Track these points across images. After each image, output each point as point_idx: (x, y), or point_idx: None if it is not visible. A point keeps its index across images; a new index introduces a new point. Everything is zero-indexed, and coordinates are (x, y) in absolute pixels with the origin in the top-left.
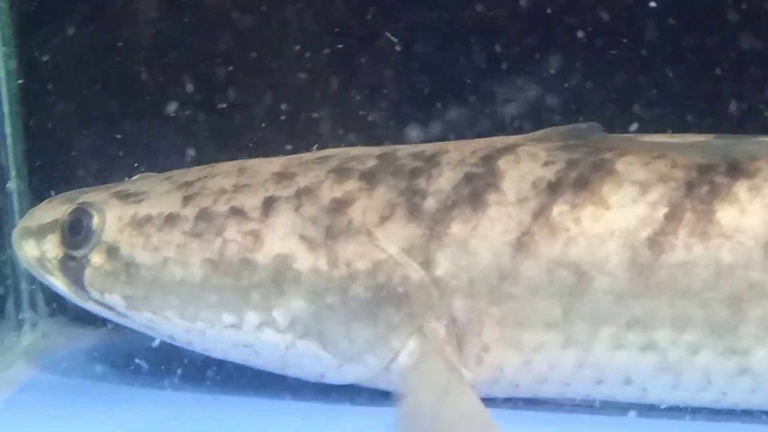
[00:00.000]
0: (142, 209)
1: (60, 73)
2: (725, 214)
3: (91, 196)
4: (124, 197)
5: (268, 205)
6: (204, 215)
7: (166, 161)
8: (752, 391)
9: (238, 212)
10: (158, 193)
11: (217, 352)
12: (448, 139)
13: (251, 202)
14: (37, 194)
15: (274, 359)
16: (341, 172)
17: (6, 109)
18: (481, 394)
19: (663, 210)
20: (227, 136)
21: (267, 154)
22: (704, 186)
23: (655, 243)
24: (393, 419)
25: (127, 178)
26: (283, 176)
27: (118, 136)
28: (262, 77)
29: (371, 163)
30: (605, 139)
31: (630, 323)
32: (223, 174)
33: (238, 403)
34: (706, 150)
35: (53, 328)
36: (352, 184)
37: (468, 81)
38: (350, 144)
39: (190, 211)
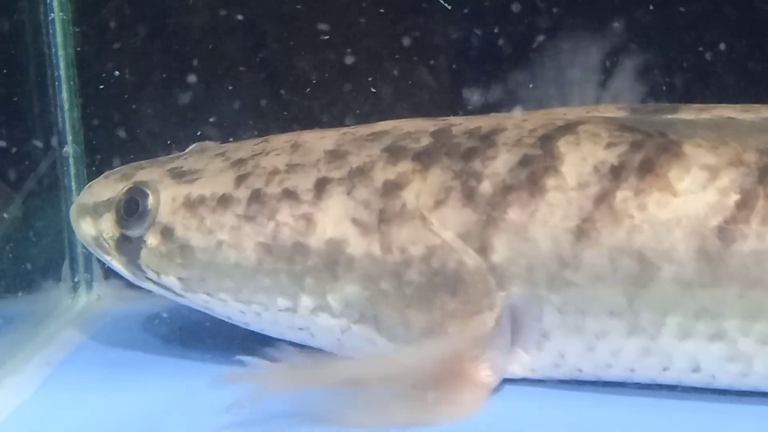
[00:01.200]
0: (196, 189)
1: (116, 38)
2: None
3: (147, 173)
4: (179, 176)
5: (321, 187)
6: (257, 197)
7: (222, 127)
8: None
9: (290, 194)
10: (212, 172)
11: (274, 333)
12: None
13: (303, 183)
14: (93, 158)
15: (330, 342)
16: (394, 152)
17: (63, 73)
18: (543, 377)
19: (734, 197)
20: (285, 101)
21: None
22: None
23: (725, 231)
24: None
25: (182, 149)
26: (335, 155)
27: (174, 101)
28: (325, 43)
29: (425, 141)
30: (671, 120)
31: (698, 313)
32: (276, 151)
33: None
34: None
35: (107, 291)
36: (405, 165)
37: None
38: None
39: (242, 193)
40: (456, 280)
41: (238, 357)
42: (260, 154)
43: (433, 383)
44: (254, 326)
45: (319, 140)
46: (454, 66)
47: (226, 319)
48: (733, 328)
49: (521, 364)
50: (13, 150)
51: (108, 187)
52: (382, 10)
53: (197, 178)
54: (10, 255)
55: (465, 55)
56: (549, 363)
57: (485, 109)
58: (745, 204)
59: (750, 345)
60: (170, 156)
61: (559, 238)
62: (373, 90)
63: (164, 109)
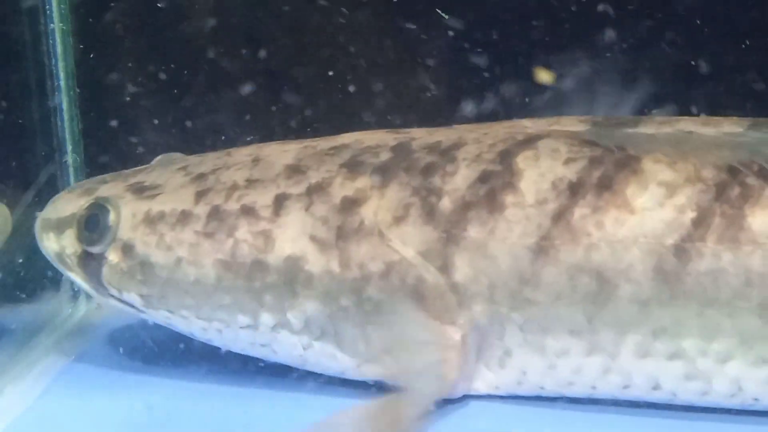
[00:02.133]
0: (156, 205)
1: (116, 48)
2: (756, 220)
3: (108, 188)
4: (140, 191)
5: (279, 203)
6: (216, 213)
7: (221, 135)
8: None
9: (249, 211)
10: (172, 187)
11: (238, 349)
12: None
13: (262, 199)
14: (93, 167)
15: (293, 358)
16: (353, 167)
17: (62, 83)
18: (505, 394)
19: (691, 214)
20: (287, 109)
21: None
22: (735, 188)
23: (682, 249)
24: None
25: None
26: (295, 170)
27: (173, 110)
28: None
29: (385, 156)
30: (632, 134)
31: (657, 332)
32: (237, 165)
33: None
34: (738, 147)
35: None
36: (363, 181)
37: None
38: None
39: (202, 209)
40: (417, 296)
41: None
42: (221, 168)
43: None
44: (217, 343)
45: (281, 154)
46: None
47: (189, 336)
48: (692, 347)
49: (485, 381)
50: (13, 160)
51: (71, 203)
52: None
53: (158, 194)
54: (10, 264)
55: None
56: (512, 380)
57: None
58: (701, 222)
59: (709, 364)
60: (135, 169)
61: (518, 256)
62: None
63: (163, 118)
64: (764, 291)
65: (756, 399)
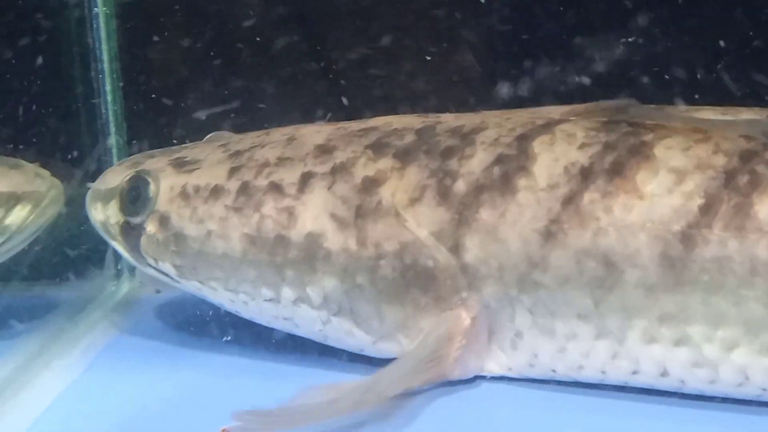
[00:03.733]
0: (193, 179)
1: (158, 31)
2: (764, 208)
3: (153, 162)
4: (180, 165)
5: (304, 181)
6: (245, 189)
7: (261, 119)
8: None
9: (276, 187)
10: (210, 163)
11: (263, 322)
12: None
13: (290, 176)
14: (135, 149)
15: (314, 333)
16: (377, 148)
17: (106, 66)
18: (518, 376)
19: (698, 201)
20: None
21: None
22: (745, 176)
23: (688, 236)
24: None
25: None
26: (323, 150)
27: (215, 93)
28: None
29: (409, 138)
30: (650, 116)
31: (662, 317)
32: (272, 144)
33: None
34: (754, 128)
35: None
36: (385, 163)
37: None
38: None
39: (233, 184)
40: (429, 277)
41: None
42: (257, 146)
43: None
44: (244, 315)
45: (314, 134)
46: None
47: (219, 306)
48: (697, 333)
49: (498, 362)
50: (62, 139)
51: (117, 175)
52: None
53: (196, 168)
54: (58, 244)
55: None
56: (524, 362)
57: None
58: (708, 209)
59: (715, 351)
60: (183, 145)
61: (528, 239)
62: None
63: (204, 101)
64: None
65: (764, 389)
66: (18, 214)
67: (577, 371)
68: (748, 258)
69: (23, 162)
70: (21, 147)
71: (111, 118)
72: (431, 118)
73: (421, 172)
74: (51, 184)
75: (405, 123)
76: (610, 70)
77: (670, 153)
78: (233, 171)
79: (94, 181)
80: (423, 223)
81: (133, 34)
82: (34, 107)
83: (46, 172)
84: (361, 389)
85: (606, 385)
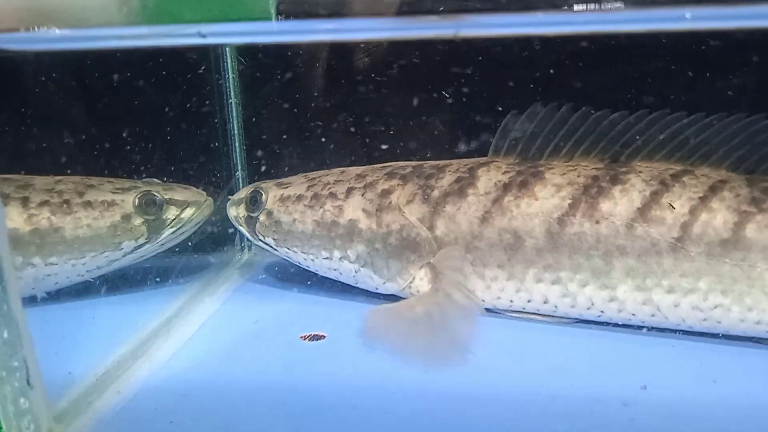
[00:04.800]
0: (287, 192)
1: (266, 111)
2: (605, 205)
3: (264, 184)
4: (280, 185)
5: (349, 192)
6: (315, 196)
7: (315, 161)
8: (618, 311)
9: (333, 195)
10: (297, 183)
11: (321, 272)
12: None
13: (340, 189)
14: (251, 179)
15: (350, 278)
16: (390, 175)
17: (236, 132)
18: None
19: (568, 201)
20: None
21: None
22: (595, 188)
23: (562, 220)
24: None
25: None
26: (360, 176)
27: (296, 147)
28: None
29: (408, 170)
30: (540, 160)
31: (546, 267)
32: (332, 174)
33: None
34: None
35: (260, 250)
36: (395, 182)
37: None
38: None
39: (309, 193)
40: (415, 244)
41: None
42: (324, 175)
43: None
44: (311, 268)
45: (356, 170)
46: None
47: (297, 264)
48: (565, 277)
49: None
50: (218, 175)
51: (245, 191)
52: None
53: (288, 186)
54: (211, 232)
55: None
56: None
57: None
58: (573, 205)
59: (574, 287)
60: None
61: (472, 222)
62: None
63: (292, 152)
64: (607, 245)
65: (602, 311)
66: (187, 212)
67: (497, 301)
68: (595, 233)
69: (191, 186)
70: (188, 177)
71: (239, 162)
72: (422, 162)
73: (414, 186)
74: (206, 198)
75: (406, 163)
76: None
77: (554, 176)
78: (310, 187)
79: (228, 198)
80: (413, 213)
81: (252, 114)
82: (195, 153)
83: (203, 192)
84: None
85: (513, 309)
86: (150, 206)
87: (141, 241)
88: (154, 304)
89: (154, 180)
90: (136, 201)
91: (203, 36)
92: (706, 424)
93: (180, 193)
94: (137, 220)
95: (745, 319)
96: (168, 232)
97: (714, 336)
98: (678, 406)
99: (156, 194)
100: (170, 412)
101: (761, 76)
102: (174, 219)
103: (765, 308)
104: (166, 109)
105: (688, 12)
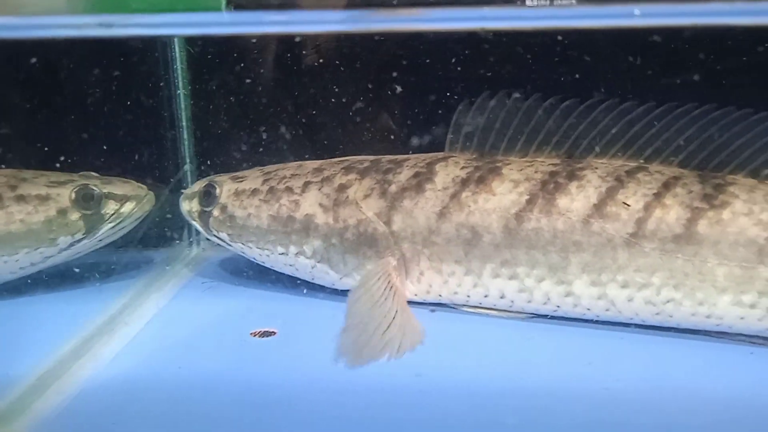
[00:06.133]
0: (241, 186)
1: (218, 103)
2: (562, 201)
3: (219, 177)
4: (234, 179)
5: (306, 186)
6: (271, 190)
7: (277, 156)
8: (574, 306)
9: (289, 189)
10: (252, 177)
11: (277, 267)
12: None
13: (297, 183)
14: (203, 173)
15: (306, 273)
16: (348, 169)
17: (185, 124)
18: (420, 300)
19: (526, 197)
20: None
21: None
22: (552, 184)
23: (519, 216)
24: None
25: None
26: (317, 170)
27: (249, 139)
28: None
29: (366, 164)
30: (498, 155)
31: (503, 262)
32: (289, 168)
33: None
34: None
35: (209, 245)
36: (352, 176)
37: None
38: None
39: (265, 187)
40: (372, 239)
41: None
42: (280, 169)
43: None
44: (267, 264)
45: (312, 164)
46: None
47: (252, 259)
48: (522, 272)
49: (409, 290)
50: (164, 167)
51: (198, 185)
52: None
53: (243, 180)
54: (159, 226)
55: None
56: (423, 290)
57: None
58: (531, 201)
59: (531, 282)
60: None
61: (429, 217)
62: None
63: (244, 145)
64: (564, 241)
65: (558, 306)
66: (127, 207)
67: (454, 296)
68: (552, 228)
69: (131, 180)
70: (129, 171)
71: (187, 155)
72: (380, 156)
73: (371, 181)
74: (146, 192)
75: (364, 158)
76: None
77: (511, 171)
78: (265, 181)
79: (176, 191)
80: (371, 208)
81: (201, 106)
82: (140, 145)
83: (144, 186)
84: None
85: (470, 304)
86: (87, 200)
87: (78, 236)
88: (97, 301)
89: (92, 173)
90: (73, 195)
91: (109, 26)
92: (655, 414)
93: (119, 187)
94: (74, 215)
95: (696, 313)
96: (107, 227)
97: (668, 329)
98: (626, 397)
99: (94, 188)
100: (114, 413)
101: (709, 73)
102: (113, 214)
103: (715, 302)
104: (109, 100)
105: (636, 9)
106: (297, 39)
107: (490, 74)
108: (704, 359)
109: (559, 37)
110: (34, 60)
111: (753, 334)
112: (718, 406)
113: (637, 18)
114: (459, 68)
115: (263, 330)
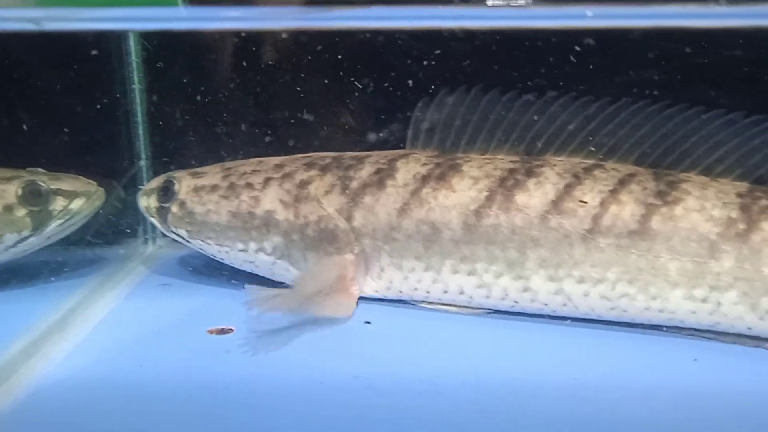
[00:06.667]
0: (201, 181)
1: (171, 99)
2: (520, 197)
3: (177, 173)
4: (194, 174)
5: (266, 182)
6: (231, 186)
7: (237, 151)
8: (531, 301)
9: (249, 185)
10: (212, 173)
11: (236, 264)
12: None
13: (257, 179)
14: (158, 169)
15: (266, 270)
16: (309, 165)
17: (140, 119)
18: (381, 296)
19: (485, 193)
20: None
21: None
22: (511, 181)
23: (478, 212)
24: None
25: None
26: (279, 166)
27: (206, 134)
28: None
29: (327, 161)
30: (458, 152)
31: (462, 258)
32: (249, 164)
33: None
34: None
35: (164, 243)
36: (313, 172)
37: None
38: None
39: (224, 183)
40: (333, 235)
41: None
42: (241, 165)
43: (331, 292)
44: (226, 261)
45: (274, 160)
46: None
47: (211, 256)
48: (480, 268)
49: (370, 287)
50: (119, 164)
51: (157, 181)
52: None
53: (203, 176)
54: (112, 223)
55: None
56: (384, 287)
57: None
58: (490, 198)
59: (490, 278)
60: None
61: (390, 213)
62: None
63: (201, 140)
64: (522, 237)
65: (516, 302)
66: (77, 203)
67: (414, 292)
68: (510, 225)
69: (80, 176)
70: (81, 167)
71: (143, 151)
72: (342, 153)
73: (333, 177)
74: (96, 188)
75: (326, 154)
76: None
77: (471, 168)
78: (225, 177)
79: (129, 187)
80: (332, 204)
81: (156, 101)
82: (94, 140)
83: (94, 182)
84: (296, 288)
85: (430, 300)
86: (35, 197)
87: (25, 234)
88: (49, 299)
89: (40, 169)
90: (20, 191)
91: (37, 24)
92: (610, 408)
93: (68, 183)
94: (20, 212)
95: (649, 307)
96: (55, 224)
97: (626, 324)
98: (584, 391)
99: (41, 184)
100: (67, 414)
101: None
102: (62, 210)
103: (667, 297)
104: (61, 95)
105: (589, 11)
106: (256, 34)
107: (452, 71)
108: (659, 354)
109: (527, 43)
110: None
111: (704, 329)
112: (674, 400)
113: (589, 19)
114: (420, 64)
115: (221, 327)
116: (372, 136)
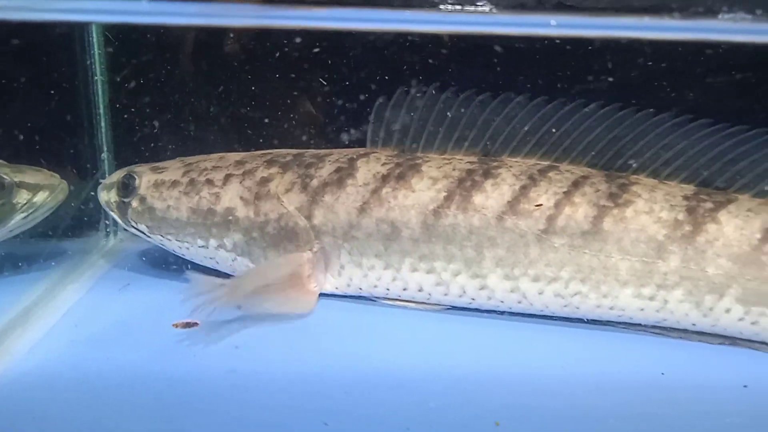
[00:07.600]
0: (161, 177)
1: (135, 91)
2: (478, 198)
3: (138, 167)
4: (154, 169)
5: (227, 178)
6: (191, 182)
7: (202, 147)
8: (488, 299)
9: (210, 182)
10: (173, 168)
11: (197, 260)
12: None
13: (218, 176)
14: (120, 163)
15: (226, 267)
16: (270, 162)
17: (102, 111)
18: (341, 293)
19: (443, 193)
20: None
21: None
22: (469, 181)
23: (437, 212)
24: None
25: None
26: (240, 163)
27: (171, 127)
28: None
29: (289, 158)
30: (418, 152)
31: (421, 257)
32: (210, 160)
33: None
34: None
35: (126, 236)
36: (274, 170)
37: None
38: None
39: (185, 179)
40: (293, 233)
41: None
42: (202, 161)
43: (287, 288)
44: (187, 256)
45: (235, 156)
46: None
47: (172, 252)
48: (439, 266)
49: (330, 284)
50: (81, 156)
51: (117, 175)
52: None
53: (164, 171)
54: (74, 215)
55: None
56: (344, 284)
57: None
58: (448, 198)
59: (448, 276)
60: (160, 162)
61: (350, 212)
62: None
63: (167, 132)
64: (479, 237)
65: (473, 299)
66: (40, 196)
67: (374, 289)
68: (468, 224)
69: (43, 169)
70: (43, 160)
71: (104, 143)
72: (303, 150)
73: (293, 175)
74: (60, 181)
75: (288, 152)
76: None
77: (430, 169)
78: (186, 173)
79: (93, 177)
80: (292, 202)
81: (119, 92)
82: (55, 132)
83: (57, 175)
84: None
85: (389, 297)
86: None
87: None
88: (9, 293)
89: (2, 161)
90: None
91: None
92: (565, 400)
93: (31, 176)
94: None
95: (600, 305)
96: (18, 217)
97: (577, 321)
98: (537, 384)
99: (4, 177)
100: (31, 408)
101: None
102: (25, 203)
103: (617, 295)
104: (21, 86)
105: (552, 20)
106: (221, 28)
107: (415, 70)
108: (610, 348)
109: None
110: None
111: (651, 325)
112: (627, 392)
113: (552, 28)
114: (382, 63)
115: (186, 321)
116: (330, 130)
